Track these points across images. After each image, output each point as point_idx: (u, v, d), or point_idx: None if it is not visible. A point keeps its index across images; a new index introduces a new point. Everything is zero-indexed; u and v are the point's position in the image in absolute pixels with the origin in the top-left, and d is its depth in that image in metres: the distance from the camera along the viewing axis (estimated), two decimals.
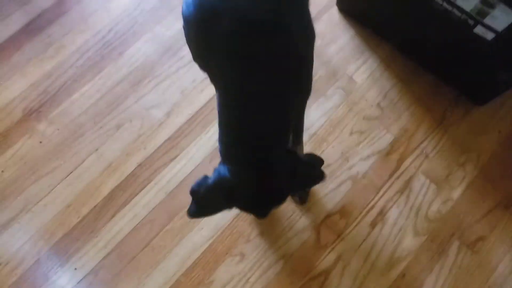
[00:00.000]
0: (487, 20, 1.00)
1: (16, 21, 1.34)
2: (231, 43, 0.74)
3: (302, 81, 0.87)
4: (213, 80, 0.86)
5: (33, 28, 1.33)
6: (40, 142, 1.22)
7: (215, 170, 0.82)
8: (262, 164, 0.78)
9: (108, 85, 1.27)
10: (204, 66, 0.90)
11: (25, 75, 1.29)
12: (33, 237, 1.13)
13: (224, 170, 0.80)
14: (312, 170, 0.86)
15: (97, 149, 1.21)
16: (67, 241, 1.13)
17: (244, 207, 0.87)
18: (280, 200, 0.85)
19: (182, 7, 0.82)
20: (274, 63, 0.76)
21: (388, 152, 1.19)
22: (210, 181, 0.81)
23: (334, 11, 1.34)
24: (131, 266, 1.10)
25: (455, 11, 1.04)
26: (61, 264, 1.10)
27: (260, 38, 0.74)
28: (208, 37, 0.77)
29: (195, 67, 1.28)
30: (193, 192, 0.82)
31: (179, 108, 1.25)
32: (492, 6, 0.96)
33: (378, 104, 1.24)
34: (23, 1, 1.36)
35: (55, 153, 1.21)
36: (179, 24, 1.33)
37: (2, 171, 1.20)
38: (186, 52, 1.29)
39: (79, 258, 1.10)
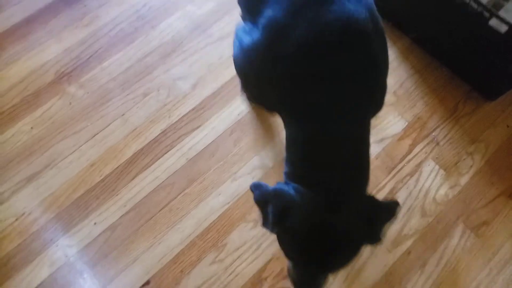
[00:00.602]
0: (501, 13, 1.07)
1: None
2: (311, 59, 0.68)
3: (381, 95, 0.83)
4: (284, 113, 0.79)
5: None
6: (70, 103, 1.28)
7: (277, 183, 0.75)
8: (333, 207, 0.68)
9: (138, 55, 1.34)
10: (268, 102, 0.84)
11: (60, 41, 1.35)
12: (56, 191, 1.17)
13: (289, 186, 0.71)
14: (390, 216, 0.73)
15: (123, 114, 1.27)
16: (88, 197, 1.17)
17: (294, 243, 0.70)
18: (347, 257, 0.70)
19: (235, 44, 0.79)
20: (357, 78, 0.70)
21: (401, 137, 1.24)
22: (270, 188, 0.73)
23: None
24: (148, 225, 1.14)
25: (472, 4, 1.11)
26: (81, 219, 1.15)
27: (345, 50, 0.69)
28: (279, 63, 0.71)
29: (223, 44, 1.38)
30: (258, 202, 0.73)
31: (204, 82, 1.31)
32: None
33: (395, 92, 1.30)
34: None
35: (82, 115, 1.27)
36: (210, 4, 1.43)
37: (32, 128, 1.25)
38: (214, 30, 1.36)
39: (99, 214, 1.15)
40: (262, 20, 0.74)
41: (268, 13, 0.73)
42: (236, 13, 1.31)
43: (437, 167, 1.21)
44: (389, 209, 0.74)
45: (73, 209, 1.16)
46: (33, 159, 1.22)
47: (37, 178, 1.19)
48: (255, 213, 1.15)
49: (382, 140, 1.24)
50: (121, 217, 1.15)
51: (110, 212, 1.16)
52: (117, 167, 1.21)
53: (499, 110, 1.29)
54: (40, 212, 1.15)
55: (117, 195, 1.18)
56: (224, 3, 1.43)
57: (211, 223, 1.14)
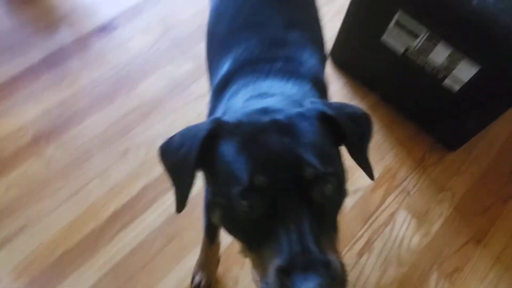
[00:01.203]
0: (454, 73, 1.18)
1: (37, 54, 1.44)
2: None
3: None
4: None
5: (53, 61, 1.44)
6: (47, 164, 1.28)
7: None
8: None
9: (118, 115, 1.37)
10: None
11: (40, 102, 1.37)
12: (30, 256, 1.14)
13: None
14: None
15: (102, 173, 1.27)
16: (65, 260, 1.15)
17: None
18: None
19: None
20: None
21: (373, 188, 1.30)
22: None
23: (328, 62, 1.52)
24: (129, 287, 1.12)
25: (427, 66, 1.23)
26: (59, 282, 1.11)
27: None
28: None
29: (201, 102, 1.43)
30: None
31: None
32: (458, 61, 1.15)
33: None
34: (45, 36, 1.49)
35: (60, 175, 1.26)
36: (189, 65, 1.50)
37: (7, 190, 1.23)
38: (193, 89, 1.42)
39: (76, 277, 1.12)
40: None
41: None
42: None
43: (409, 216, 1.27)
44: None
45: (48, 274, 1.12)
46: (7, 222, 1.19)
47: (10, 242, 1.16)
48: (236, 269, 1.16)
49: (356, 191, 1.29)
50: (99, 279, 1.13)
51: (88, 275, 1.13)
52: (96, 227, 1.20)
53: (462, 160, 1.38)
54: (11, 280, 1.11)
55: (95, 256, 1.15)
56: (202, 64, 1.50)
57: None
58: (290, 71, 0.76)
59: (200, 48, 1.51)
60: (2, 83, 1.39)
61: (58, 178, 1.26)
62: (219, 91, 0.80)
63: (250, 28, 0.85)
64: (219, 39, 0.91)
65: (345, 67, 1.52)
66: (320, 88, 0.80)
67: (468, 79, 1.17)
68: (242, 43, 0.82)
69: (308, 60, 0.81)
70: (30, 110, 1.36)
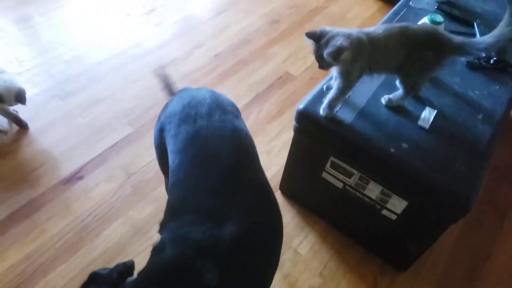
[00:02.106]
0: (388, 205, 1.32)
1: (5, 210, 1.53)
2: None
3: None
4: None
5: (20, 215, 1.52)
6: None
7: None
8: None
9: (83, 264, 1.42)
10: None
11: (5, 259, 1.42)
12: None
13: None
14: None
15: None
16: None
17: None
18: None
19: None
20: None
21: None
22: None
23: (278, 194, 1.66)
24: None
25: (366, 198, 1.36)
26: None
27: None
28: None
29: None
30: None
31: None
32: (389, 196, 1.29)
33: (321, 273, 1.45)
34: (13, 191, 1.58)
35: None
36: (149, 208, 1.60)
37: None
38: (154, 232, 1.50)
39: None
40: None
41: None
42: None
43: None
44: None
45: None
46: None
47: None
48: None
49: None
50: None
51: None
52: None
53: (411, 279, 1.46)
54: None
55: None
56: (162, 206, 1.60)
57: None
58: None
59: (160, 191, 1.64)
60: None
61: None
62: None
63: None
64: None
65: (293, 197, 1.66)
66: None
67: (400, 211, 1.30)
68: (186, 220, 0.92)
69: None
70: None
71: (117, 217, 1.54)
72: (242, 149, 1.00)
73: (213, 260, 0.81)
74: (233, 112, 1.08)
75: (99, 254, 1.45)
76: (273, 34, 2.49)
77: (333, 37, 1.12)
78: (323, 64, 1.17)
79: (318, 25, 2.26)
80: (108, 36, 2.33)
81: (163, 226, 0.96)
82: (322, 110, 1.28)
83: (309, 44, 1.17)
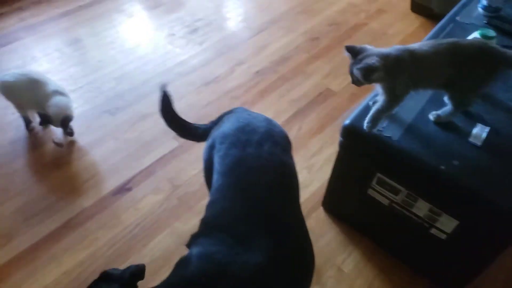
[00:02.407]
0: (437, 224, 1.28)
1: (60, 218, 1.62)
2: None
3: None
4: None
5: (74, 223, 1.60)
6: None
7: None
8: None
9: None
10: None
11: (60, 265, 1.50)
12: None
13: None
14: None
15: None
16: None
17: None
18: None
19: None
20: None
21: None
22: None
23: (321, 211, 1.65)
24: None
25: (413, 216, 1.33)
26: None
27: None
28: None
29: None
30: None
31: None
32: (438, 214, 1.25)
33: None
34: (68, 201, 1.68)
35: None
36: (194, 220, 1.64)
37: None
38: None
39: None
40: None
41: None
42: None
43: None
44: None
45: None
46: None
47: None
48: None
49: None
50: None
51: None
52: None
53: None
54: None
55: None
56: None
57: None
58: None
59: (204, 204, 1.67)
60: (27, 247, 1.54)
61: None
62: None
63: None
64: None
65: (337, 214, 1.65)
66: None
67: (451, 230, 1.26)
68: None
69: None
70: (51, 273, 1.48)
71: (163, 228, 1.59)
72: (282, 184, 1.04)
73: (233, 286, 0.84)
74: (282, 144, 1.13)
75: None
76: (313, 51, 2.52)
77: (369, 55, 1.13)
78: (354, 80, 1.18)
79: (358, 41, 2.27)
80: (154, 54, 2.45)
81: (193, 240, 0.99)
82: (365, 124, 1.28)
83: (348, 57, 1.18)
